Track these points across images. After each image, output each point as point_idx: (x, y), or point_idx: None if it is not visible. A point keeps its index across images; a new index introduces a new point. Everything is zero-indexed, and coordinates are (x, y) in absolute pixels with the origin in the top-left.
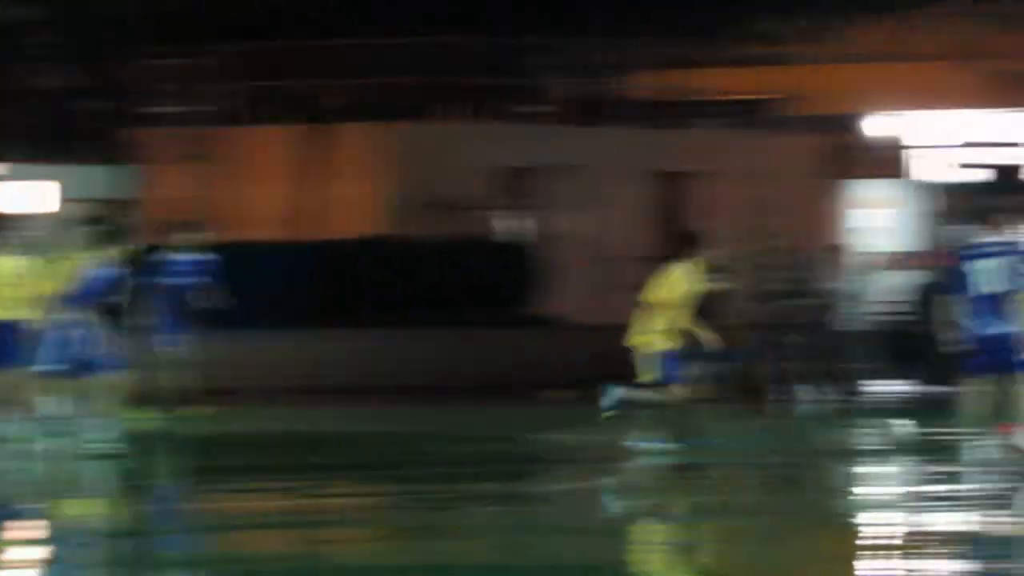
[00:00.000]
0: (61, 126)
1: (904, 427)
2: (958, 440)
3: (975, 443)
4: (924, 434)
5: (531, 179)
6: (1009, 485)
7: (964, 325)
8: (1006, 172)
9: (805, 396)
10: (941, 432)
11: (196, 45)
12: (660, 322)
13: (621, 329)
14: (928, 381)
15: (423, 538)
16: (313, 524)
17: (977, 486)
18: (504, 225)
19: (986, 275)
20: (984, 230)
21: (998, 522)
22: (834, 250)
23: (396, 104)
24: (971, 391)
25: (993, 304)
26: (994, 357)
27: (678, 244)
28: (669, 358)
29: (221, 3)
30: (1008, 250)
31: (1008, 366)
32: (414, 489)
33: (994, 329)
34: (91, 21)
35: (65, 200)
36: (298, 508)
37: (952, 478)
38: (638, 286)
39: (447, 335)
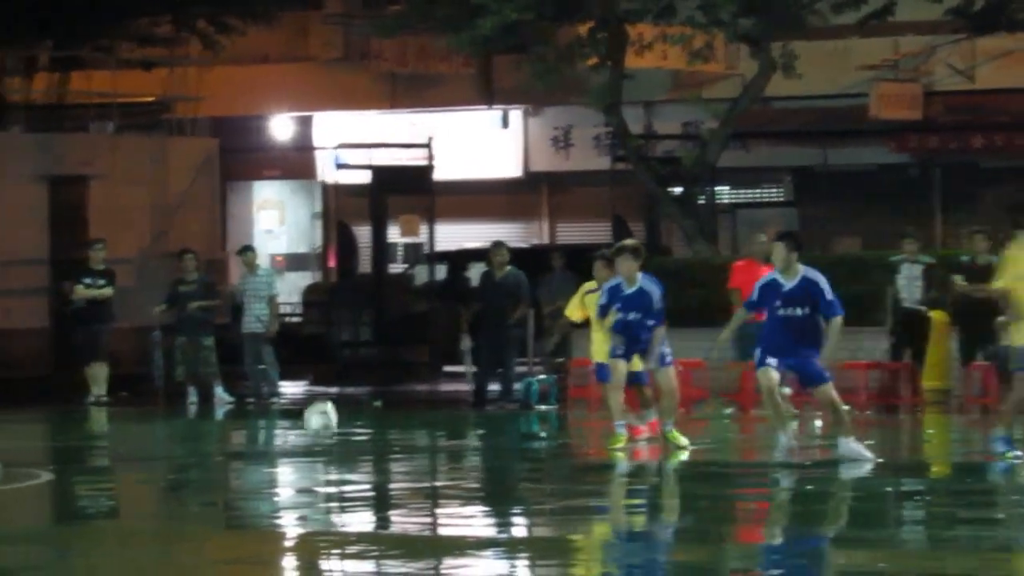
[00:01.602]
0: None
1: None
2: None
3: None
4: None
5: None
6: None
7: None
8: (397, 172)
9: (220, 398)
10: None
11: None
12: None
13: (16, 334)
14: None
15: None
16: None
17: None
18: None
19: None
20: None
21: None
22: (238, 252)
23: None
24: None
25: None
26: None
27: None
28: None
29: None
30: None
31: None
32: None
33: None
34: None
35: None
36: None
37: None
38: (35, 290)
39: None
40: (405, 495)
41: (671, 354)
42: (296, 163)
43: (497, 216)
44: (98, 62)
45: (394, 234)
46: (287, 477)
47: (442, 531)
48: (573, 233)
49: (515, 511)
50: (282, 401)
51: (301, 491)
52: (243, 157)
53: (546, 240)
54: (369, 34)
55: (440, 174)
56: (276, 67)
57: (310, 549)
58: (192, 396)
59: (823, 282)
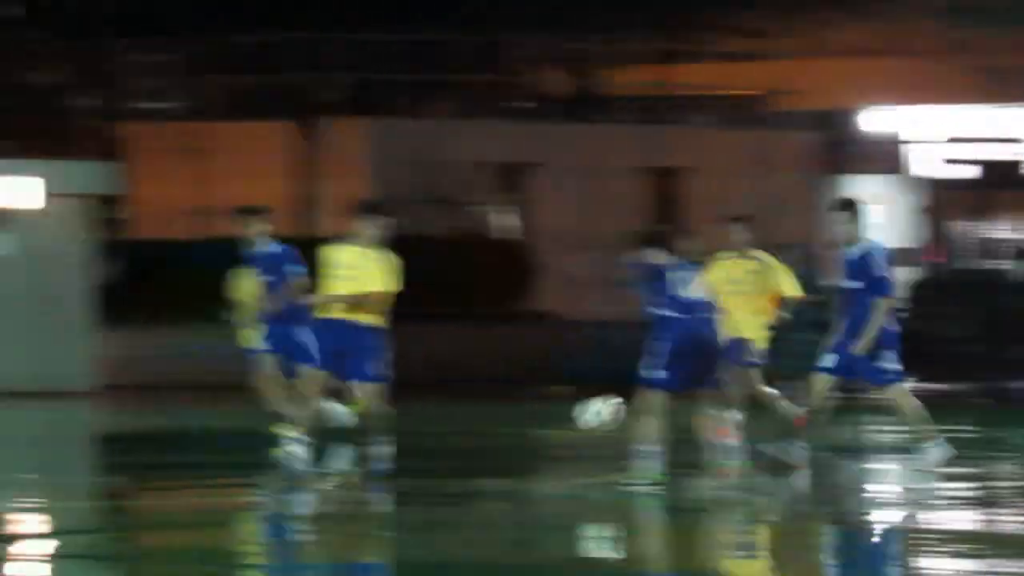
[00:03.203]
0: (49, 122)
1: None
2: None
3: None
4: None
5: (519, 175)
6: None
7: None
8: (995, 167)
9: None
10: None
11: (184, 39)
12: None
13: (615, 324)
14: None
15: (426, 533)
16: (319, 519)
17: None
18: (494, 221)
19: None
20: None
21: None
22: (832, 247)
23: (384, 99)
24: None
25: None
26: None
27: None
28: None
29: None
30: None
31: None
32: (417, 485)
33: None
34: (79, 14)
35: (51, 196)
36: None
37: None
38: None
39: (445, 331)
40: (1010, 494)
41: None
42: (886, 157)
43: None
44: (701, 55)
45: (996, 230)
46: (881, 473)
47: None
48: None
49: None
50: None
51: (898, 486)
52: (836, 150)
53: None
54: (967, 27)
55: None
56: (873, 61)
57: (914, 546)
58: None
59: None
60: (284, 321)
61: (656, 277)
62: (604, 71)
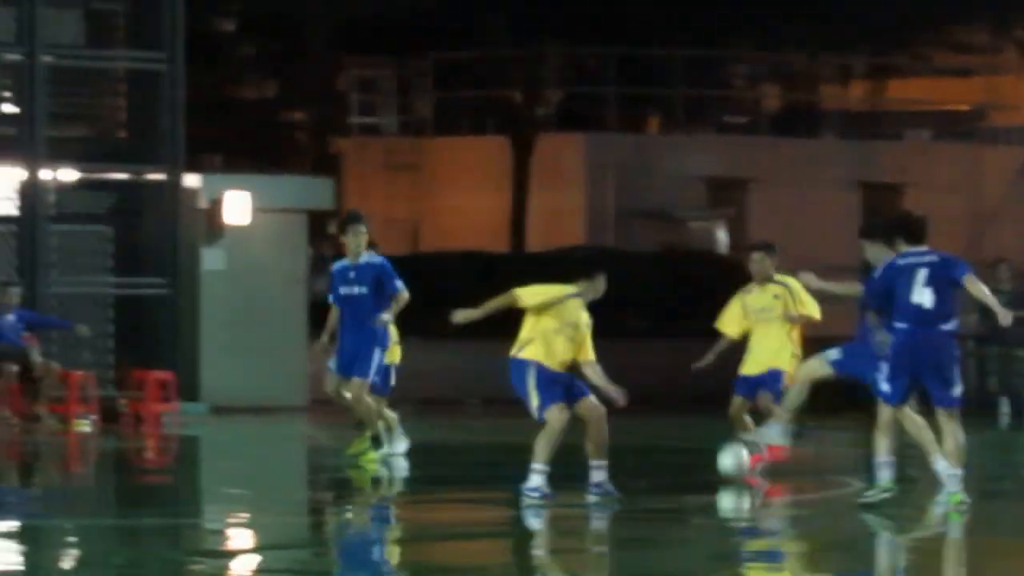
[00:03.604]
0: (261, 136)
1: None
2: None
3: None
4: None
5: (730, 189)
6: None
7: None
8: None
9: None
10: None
11: (399, 55)
12: None
13: (826, 341)
14: None
15: (636, 550)
16: (530, 535)
17: None
18: (711, 236)
19: None
20: None
21: None
22: None
23: (596, 114)
24: None
25: None
26: None
27: None
28: None
29: (424, 13)
30: None
31: None
32: (627, 501)
33: None
34: (294, 31)
35: (258, 210)
36: (510, 519)
37: None
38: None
39: (659, 346)
40: None
41: None
42: None
43: None
44: (915, 70)
45: None
46: None
47: None
48: None
49: None
50: None
51: None
52: None
53: None
54: None
55: None
56: None
57: None
58: (1004, 407)
59: None
60: None
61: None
62: (817, 86)
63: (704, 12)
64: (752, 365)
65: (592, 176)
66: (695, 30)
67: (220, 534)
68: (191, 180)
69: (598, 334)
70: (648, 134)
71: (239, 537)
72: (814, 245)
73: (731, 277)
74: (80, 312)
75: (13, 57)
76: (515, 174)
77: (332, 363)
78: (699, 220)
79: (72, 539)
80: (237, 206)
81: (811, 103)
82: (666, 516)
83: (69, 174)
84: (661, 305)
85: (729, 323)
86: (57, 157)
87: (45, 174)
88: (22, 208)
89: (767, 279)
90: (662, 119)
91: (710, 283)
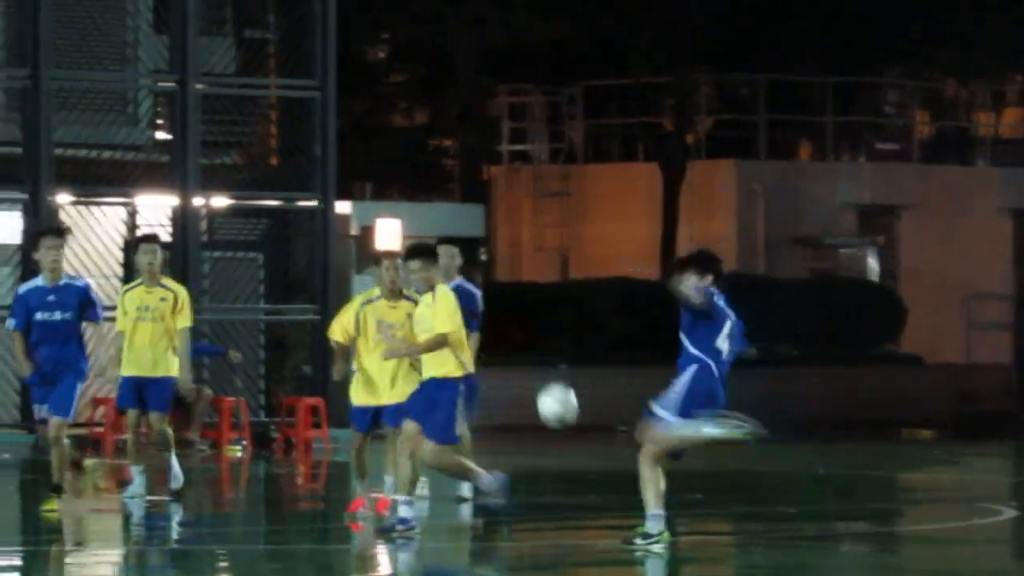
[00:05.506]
0: (411, 164)
1: None
2: None
3: None
4: None
5: (882, 216)
6: None
7: None
8: None
9: None
10: None
11: (549, 82)
12: None
13: (981, 368)
14: None
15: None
16: (675, 562)
17: None
18: (865, 262)
19: None
20: None
21: None
22: None
23: (747, 140)
24: None
25: None
26: None
27: None
28: None
29: (573, 40)
30: None
31: None
32: (780, 527)
33: None
34: (443, 58)
35: (407, 238)
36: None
37: None
38: (999, 324)
39: (811, 372)
40: None
41: None
42: None
43: None
44: None
45: None
46: None
47: None
48: None
49: None
50: None
51: None
52: None
53: None
54: None
55: None
56: None
57: None
58: None
59: None
60: None
61: None
62: (968, 112)
63: (855, 38)
64: None
65: (743, 203)
66: (846, 56)
67: (371, 559)
68: (342, 207)
69: (753, 362)
70: (799, 161)
71: (390, 562)
72: (965, 273)
73: (882, 304)
74: (232, 338)
75: (166, 85)
76: (665, 201)
77: None
78: (850, 247)
79: (224, 564)
80: (388, 233)
81: (963, 129)
82: (815, 542)
83: (221, 201)
84: (812, 332)
85: None
86: (209, 184)
87: (198, 201)
88: (175, 235)
89: None
90: (813, 146)
91: (861, 310)
